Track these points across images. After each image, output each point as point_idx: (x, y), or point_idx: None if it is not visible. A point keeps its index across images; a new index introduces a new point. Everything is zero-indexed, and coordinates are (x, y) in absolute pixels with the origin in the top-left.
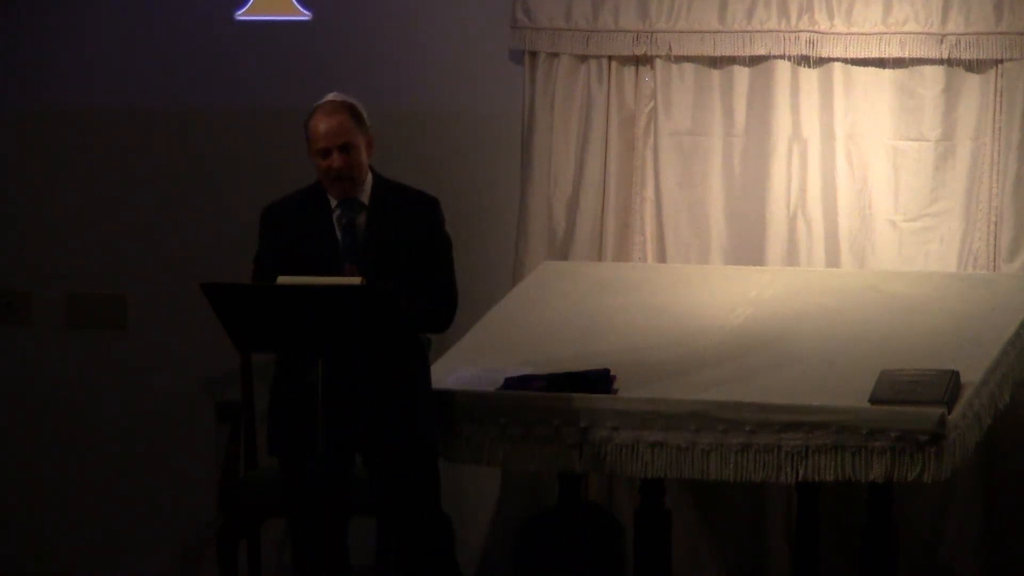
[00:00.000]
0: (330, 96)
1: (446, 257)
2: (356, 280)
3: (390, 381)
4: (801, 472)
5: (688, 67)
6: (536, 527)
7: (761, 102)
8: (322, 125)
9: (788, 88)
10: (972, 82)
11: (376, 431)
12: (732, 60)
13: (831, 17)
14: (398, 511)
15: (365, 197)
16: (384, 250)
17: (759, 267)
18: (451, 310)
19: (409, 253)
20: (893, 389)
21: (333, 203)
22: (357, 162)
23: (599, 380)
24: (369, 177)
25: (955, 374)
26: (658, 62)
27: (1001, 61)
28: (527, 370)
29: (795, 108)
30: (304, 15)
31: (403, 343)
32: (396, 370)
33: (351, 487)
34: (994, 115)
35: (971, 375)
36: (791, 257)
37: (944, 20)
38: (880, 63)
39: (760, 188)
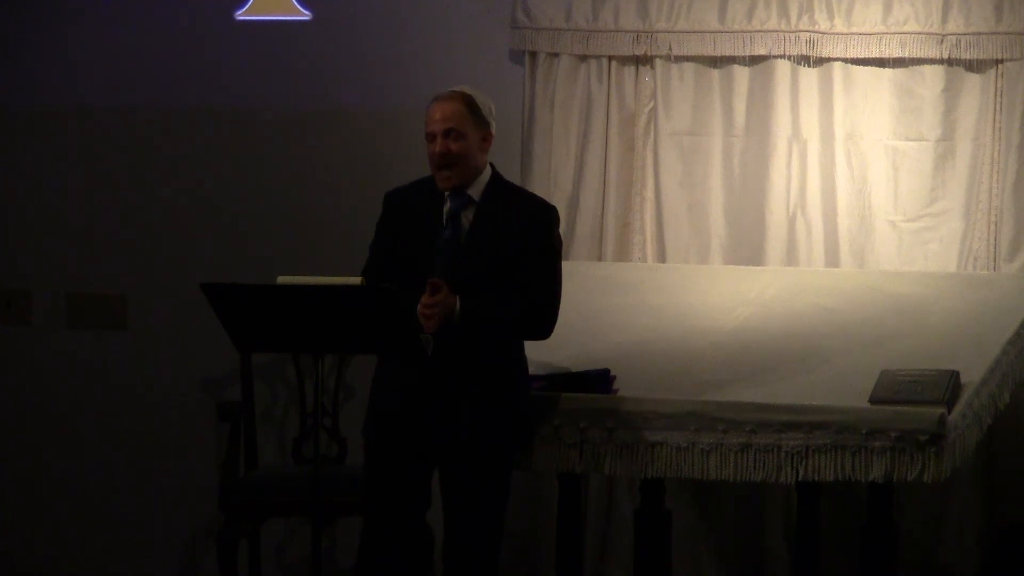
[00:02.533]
0: (455, 87)
1: (550, 264)
2: (356, 280)
3: (490, 395)
4: (801, 472)
5: (688, 67)
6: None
7: (761, 102)
8: (434, 111)
9: (788, 88)
10: (972, 82)
11: (468, 449)
12: (732, 60)
13: (831, 17)
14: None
15: (476, 192)
16: (485, 249)
17: (759, 267)
18: (548, 317)
19: (511, 255)
20: (893, 389)
21: (447, 195)
22: (462, 151)
23: (599, 380)
24: (487, 175)
25: (955, 374)
26: (658, 62)
27: (1001, 61)
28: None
29: (795, 108)
30: (304, 15)
31: (500, 351)
32: (497, 383)
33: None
34: (994, 115)
35: (971, 375)
36: (791, 257)
37: (944, 20)
38: (880, 63)
39: (760, 188)
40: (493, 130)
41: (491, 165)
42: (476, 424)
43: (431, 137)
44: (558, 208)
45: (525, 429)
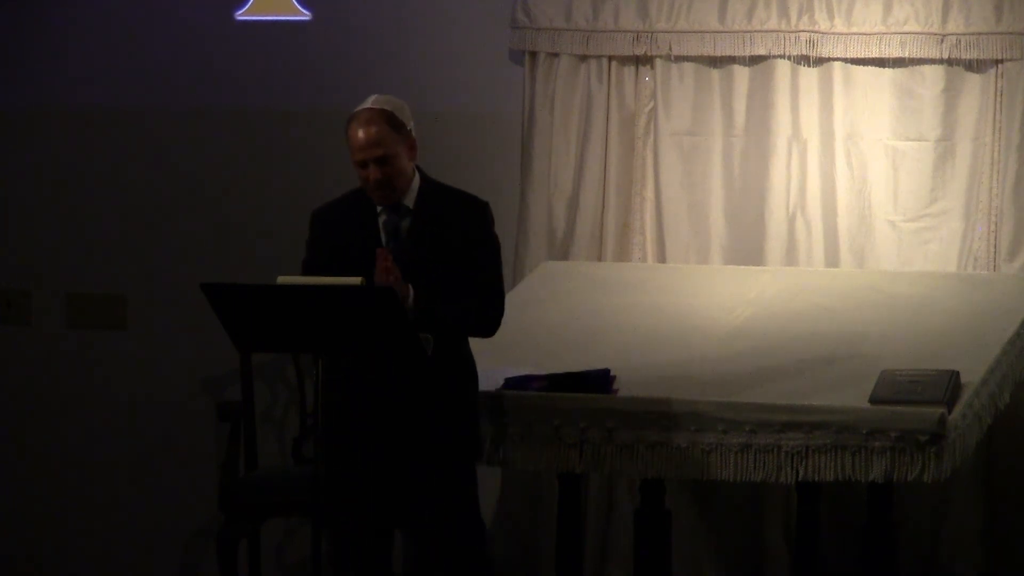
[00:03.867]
0: (368, 102)
1: (492, 259)
2: (356, 280)
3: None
4: (801, 472)
5: (688, 67)
6: None
7: (761, 102)
8: (359, 135)
9: (788, 88)
10: (972, 82)
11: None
12: (732, 60)
13: (831, 17)
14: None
15: (410, 201)
16: (428, 254)
17: (759, 267)
18: (496, 312)
19: (453, 255)
20: (893, 389)
21: (379, 207)
22: (396, 171)
23: (599, 380)
24: (416, 179)
25: (955, 374)
26: (658, 62)
27: (1001, 61)
28: (527, 370)
29: (795, 108)
30: (304, 15)
31: (447, 353)
32: (448, 399)
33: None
34: (994, 115)
35: (971, 375)
36: (791, 257)
37: (944, 20)
38: (880, 63)
39: (760, 188)
40: (413, 132)
41: (417, 168)
42: (434, 428)
43: (362, 164)
44: (559, 208)
45: (475, 427)
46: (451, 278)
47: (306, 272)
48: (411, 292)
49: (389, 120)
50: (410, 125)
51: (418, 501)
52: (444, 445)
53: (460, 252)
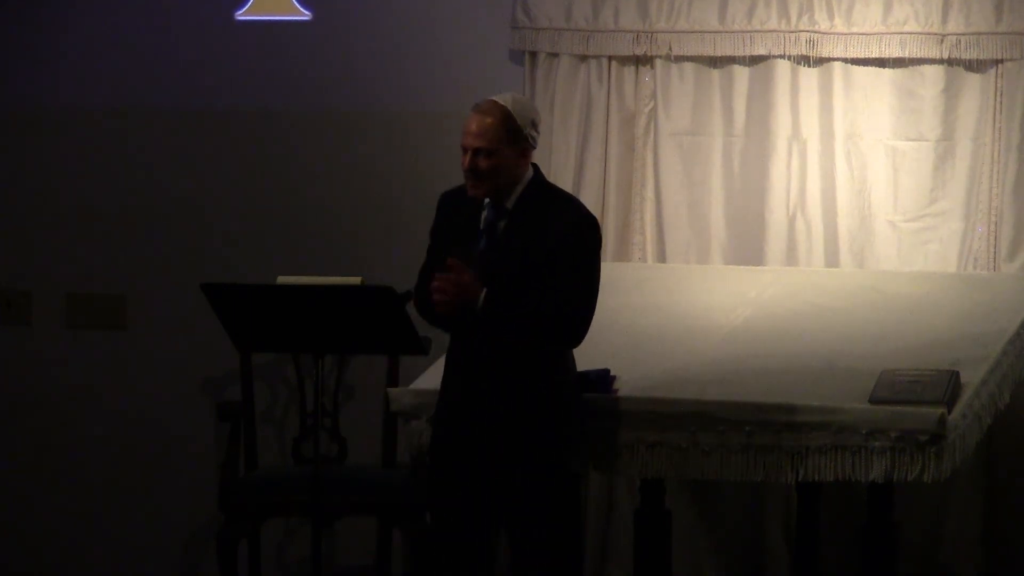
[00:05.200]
0: (501, 96)
1: (582, 268)
2: (356, 280)
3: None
4: (801, 472)
5: (688, 67)
6: None
7: (761, 102)
8: (470, 122)
9: (788, 88)
10: (972, 82)
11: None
12: (732, 60)
13: (831, 17)
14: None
15: (511, 203)
16: (515, 258)
17: (759, 267)
18: (579, 321)
19: (541, 263)
20: (893, 389)
21: (486, 202)
22: (491, 167)
23: (599, 380)
24: (525, 182)
25: (955, 374)
26: (658, 62)
27: (1001, 61)
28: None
29: (795, 108)
30: (304, 15)
31: (536, 364)
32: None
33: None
34: (994, 115)
35: (971, 375)
36: (791, 257)
37: (944, 20)
38: (880, 63)
39: (760, 188)
40: (534, 142)
41: (535, 168)
42: (524, 433)
43: (464, 149)
44: None
45: (567, 434)
46: (538, 282)
47: (428, 256)
48: (482, 294)
49: (505, 118)
50: (529, 132)
51: (513, 506)
52: (533, 450)
53: (551, 258)
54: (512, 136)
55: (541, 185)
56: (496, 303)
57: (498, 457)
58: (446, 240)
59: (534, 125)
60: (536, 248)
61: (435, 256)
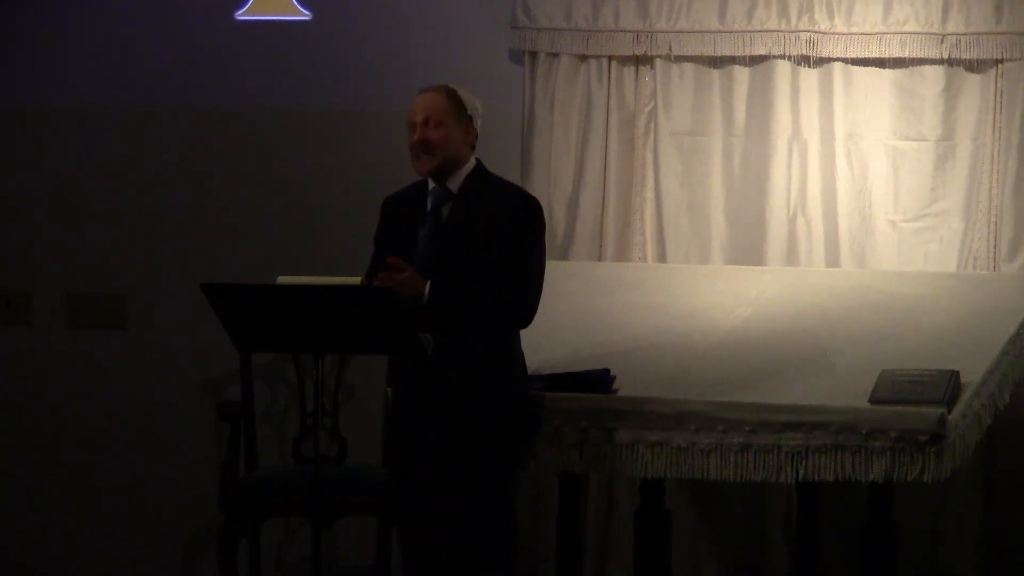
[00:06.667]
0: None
1: (527, 251)
2: (356, 280)
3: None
4: (801, 472)
5: (688, 67)
6: None
7: (761, 102)
8: (416, 102)
9: (788, 88)
10: (972, 82)
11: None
12: (732, 60)
13: (831, 17)
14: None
15: (455, 186)
16: (460, 241)
17: (759, 267)
18: (526, 304)
19: (486, 247)
20: (893, 389)
21: (429, 191)
22: (440, 139)
23: (599, 380)
24: (468, 168)
25: (955, 374)
26: (658, 62)
27: (1001, 61)
28: (527, 370)
29: (795, 108)
30: (304, 15)
31: (493, 348)
32: (491, 380)
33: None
34: (994, 115)
35: (971, 375)
36: (791, 257)
37: (944, 20)
38: (880, 63)
39: (760, 188)
40: (477, 127)
41: (477, 160)
42: (471, 425)
43: (411, 127)
44: (559, 208)
45: (522, 427)
46: (485, 267)
47: (372, 259)
48: (427, 287)
49: (449, 95)
50: (472, 112)
51: (452, 494)
52: (477, 444)
53: (494, 243)
54: (457, 112)
55: (485, 173)
56: (441, 293)
57: (439, 443)
58: (390, 243)
59: (476, 110)
60: (481, 231)
61: (378, 261)
